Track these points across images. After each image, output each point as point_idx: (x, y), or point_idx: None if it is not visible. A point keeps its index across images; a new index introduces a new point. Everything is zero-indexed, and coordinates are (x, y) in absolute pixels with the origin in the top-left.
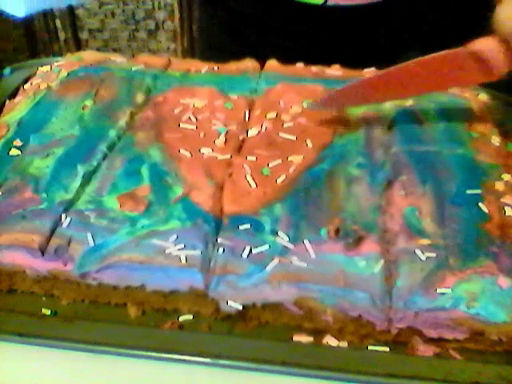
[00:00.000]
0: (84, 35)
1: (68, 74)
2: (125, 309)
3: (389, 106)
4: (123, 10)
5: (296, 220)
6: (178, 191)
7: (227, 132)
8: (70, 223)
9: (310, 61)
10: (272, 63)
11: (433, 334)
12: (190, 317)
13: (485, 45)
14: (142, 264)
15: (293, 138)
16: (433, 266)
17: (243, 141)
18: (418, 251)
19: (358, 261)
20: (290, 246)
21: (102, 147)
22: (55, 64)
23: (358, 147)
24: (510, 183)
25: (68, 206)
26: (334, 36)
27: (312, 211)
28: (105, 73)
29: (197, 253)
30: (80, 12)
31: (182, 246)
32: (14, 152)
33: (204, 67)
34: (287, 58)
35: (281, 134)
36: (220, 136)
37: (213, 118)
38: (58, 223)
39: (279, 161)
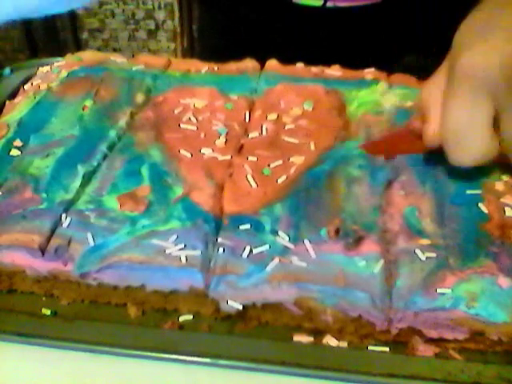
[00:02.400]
0: (84, 35)
1: (68, 74)
2: (125, 309)
3: (389, 107)
4: (123, 10)
5: (296, 220)
6: (178, 191)
7: (227, 133)
8: (70, 223)
9: (309, 61)
10: (272, 63)
11: (433, 334)
12: (190, 317)
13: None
14: (141, 264)
15: (296, 141)
16: (433, 266)
17: (244, 141)
18: (418, 251)
19: (358, 261)
20: (290, 245)
21: (102, 147)
22: (55, 64)
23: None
24: (510, 183)
25: (68, 206)
26: (334, 37)
27: (312, 211)
28: (105, 73)
29: (197, 253)
30: (80, 12)
31: (182, 246)
32: (14, 152)
33: (204, 67)
34: (287, 59)
35: (283, 137)
36: (220, 137)
37: (213, 118)
38: (58, 223)
39: (280, 161)
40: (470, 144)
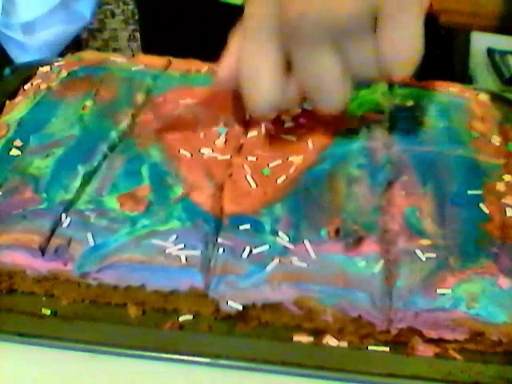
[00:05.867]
0: (84, 35)
1: (68, 74)
2: (125, 309)
3: (389, 107)
4: (123, 10)
5: (296, 220)
6: (178, 191)
7: (227, 132)
8: (70, 223)
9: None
10: None
11: (433, 334)
12: (190, 317)
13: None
14: (142, 264)
15: (293, 138)
16: (433, 267)
17: (243, 141)
18: (418, 251)
19: (358, 261)
20: (290, 246)
21: (103, 147)
22: (55, 64)
23: (359, 147)
24: (511, 184)
25: (68, 206)
26: None
27: (312, 211)
28: (105, 73)
29: (197, 253)
30: None
31: (182, 245)
32: (14, 152)
33: (204, 67)
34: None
35: (281, 136)
36: (220, 136)
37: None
38: (58, 223)
39: (279, 161)
40: (260, 86)
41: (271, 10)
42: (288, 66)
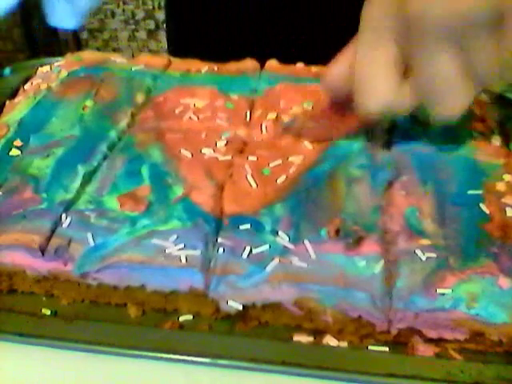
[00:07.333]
0: (84, 35)
1: (68, 74)
2: (125, 309)
3: None
4: (123, 10)
5: (296, 220)
6: (179, 191)
7: (230, 135)
8: (70, 223)
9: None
10: (272, 63)
11: (433, 334)
12: (190, 317)
13: None
14: (142, 264)
15: (293, 138)
16: (433, 267)
17: (244, 142)
18: (418, 251)
19: (358, 261)
20: (291, 246)
21: (103, 147)
22: (55, 64)
23: (359, 148)
24: (511, 184)
25: (68, 206)
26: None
27: (312, 211)
28: (105, 73)
29: (197, 253)
30: None
31: (182, 246)
32: (14, 152)
33: (204, 67)
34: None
35: (281, 135)
36: (222, 137)
37: (215, 119)
38: (58, 223)
39: (279, 161)
40: (373, 87)
41: (389, 10)
42: (404, 70)
